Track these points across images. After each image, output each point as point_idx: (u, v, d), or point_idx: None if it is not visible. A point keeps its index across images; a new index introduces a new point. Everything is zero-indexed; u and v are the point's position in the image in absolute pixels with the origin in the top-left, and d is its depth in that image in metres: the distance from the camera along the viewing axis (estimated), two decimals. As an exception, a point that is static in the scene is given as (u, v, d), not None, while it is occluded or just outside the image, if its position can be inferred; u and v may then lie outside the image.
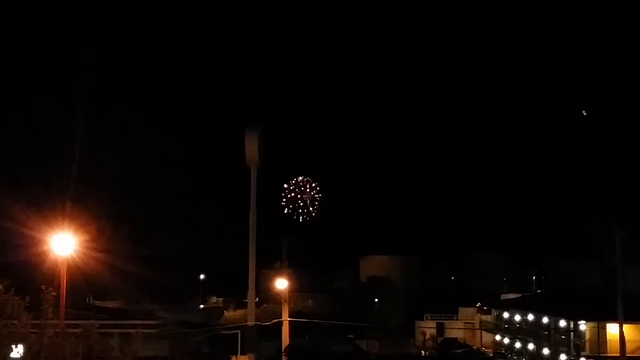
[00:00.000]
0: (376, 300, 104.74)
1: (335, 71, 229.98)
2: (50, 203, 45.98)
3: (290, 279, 67.38)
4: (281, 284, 61.47)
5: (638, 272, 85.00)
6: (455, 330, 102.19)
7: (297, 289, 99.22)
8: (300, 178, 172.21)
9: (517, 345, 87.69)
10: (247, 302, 46.72)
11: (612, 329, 65.86)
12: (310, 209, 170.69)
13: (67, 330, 28.18)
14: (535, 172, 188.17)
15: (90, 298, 79.65)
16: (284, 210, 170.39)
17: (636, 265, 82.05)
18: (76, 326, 28.49)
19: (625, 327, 60.47)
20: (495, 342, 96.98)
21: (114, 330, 29.38)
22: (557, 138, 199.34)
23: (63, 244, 30.43)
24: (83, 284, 53.48)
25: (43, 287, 26.84)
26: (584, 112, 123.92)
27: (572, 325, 73.83)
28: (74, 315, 33.75)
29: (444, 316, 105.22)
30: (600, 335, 69.81)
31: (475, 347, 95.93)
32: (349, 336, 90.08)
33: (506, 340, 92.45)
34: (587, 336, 71.24)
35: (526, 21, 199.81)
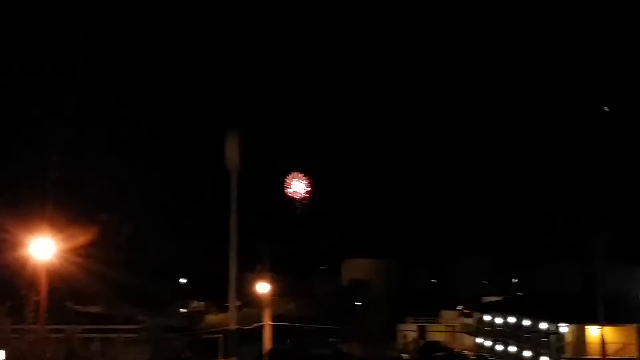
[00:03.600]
0: (358, 303, 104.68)
1: (312, 74, 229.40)
2: (30, 207, 45.52)
3: (271, 282, 67.31)
4: (262, 287, 61.42)
5: (619, 274, 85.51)
6: (437, 334, 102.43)
7: (278, 293, 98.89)
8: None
9: (499, 347, 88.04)
10: (228, 306, 46.53)
11: (593, 331, 66.40)
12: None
13: (48, 335, 27.95)
14: (515, 175, 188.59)
15: (71, 303, 78.87)
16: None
17: (616, 267, 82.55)
18: (57, 331, 28.24)
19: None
20: (476, 345, 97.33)
21: (96, 335, 29.06)
22: (537, 141, 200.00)
23: (43, 248, 30.21)
24: (63, 288, 53.03)
25: (25, 292, 26.59)
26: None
27: (553, 328, 74.27)
28: (55, 320, 33.43)
29: (425, 319, 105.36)
30: (581, 338, 70.30)
31: (456, 350, 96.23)
32: (330, 340, 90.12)
33: (488, 343, 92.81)
34: (568, 338, 71.69)
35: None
